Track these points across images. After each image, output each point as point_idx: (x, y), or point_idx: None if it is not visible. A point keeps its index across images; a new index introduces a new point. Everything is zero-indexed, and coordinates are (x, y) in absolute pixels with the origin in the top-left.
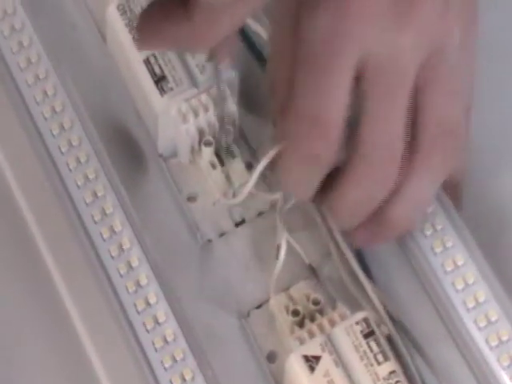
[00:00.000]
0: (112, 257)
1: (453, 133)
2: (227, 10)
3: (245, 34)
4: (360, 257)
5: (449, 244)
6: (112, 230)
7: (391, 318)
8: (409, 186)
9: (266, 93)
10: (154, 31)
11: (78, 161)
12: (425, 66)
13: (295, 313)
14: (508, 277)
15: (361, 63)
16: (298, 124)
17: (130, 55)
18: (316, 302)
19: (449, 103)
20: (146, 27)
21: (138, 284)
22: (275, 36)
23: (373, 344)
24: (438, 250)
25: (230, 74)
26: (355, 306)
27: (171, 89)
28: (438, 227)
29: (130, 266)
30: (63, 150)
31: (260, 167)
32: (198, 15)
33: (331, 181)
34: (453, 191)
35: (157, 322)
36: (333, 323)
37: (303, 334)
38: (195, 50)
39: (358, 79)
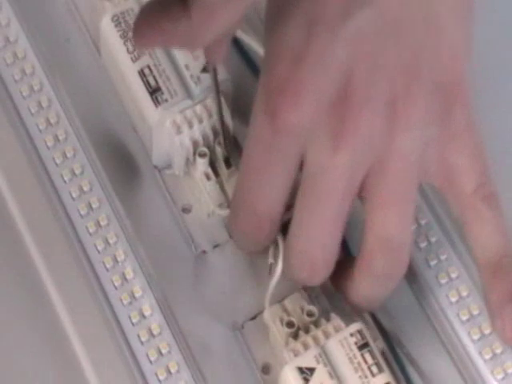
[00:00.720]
0: (106, 269)
1: (391, 249)
2: (224, 6)
3: (238, 44)
4: None
5: (443, 257)
6: (106, 242)
7: (382, 329)
8: (358, 289)
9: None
10: (152, 28)
11: (73, 172)
12: (366, 178)
13: (290, 324)
14: None
15: (300, 170)
16: (235, 213)
17: (125, 67)
18: (310, 314)
19: (387, 219)
20: (144, 24)
21: (132, 296)
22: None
23: (367, 356)
24: (433, 262)
25: (224, 84)
26: (349, 318)
27: (166, 100)
28: (442, 257)
29: (124, 278)
30: (58, 161)
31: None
32: (195, 12)
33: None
34: (495, 282)
35: (151, 334)
36: (327, 335)
37: (298, 345)
38: (192, 47)
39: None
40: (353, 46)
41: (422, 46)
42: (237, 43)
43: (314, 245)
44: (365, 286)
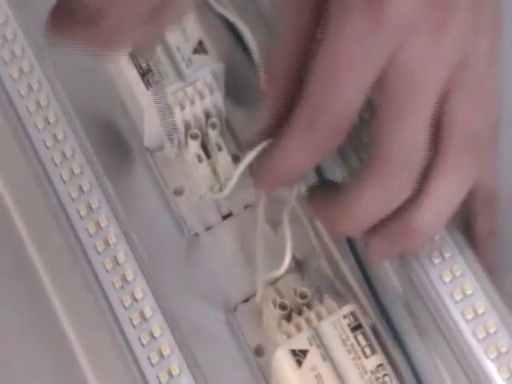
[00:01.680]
0: (98, 252)
1: (479, 142)
2: (132, 31)
3: (231, 28)
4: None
5: (436, 237)
6: (98, 225)
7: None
8: (436, 190)
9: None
10: (61, 32)
11: (64, 155)
12: (452, 76)
13: (282, 306)
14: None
15: (388, 64)
16: (307, 111)
17: None
18: (303, 296)
19: (474, 114)
20: (54, 27)
21: (124, 279)
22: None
23: (360, 337)
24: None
25: (216, 68)
26: (342, 300)
27: (157, 82)
28: (436, 237)
29: (116, 262)
30: (48, 144)
31: (247, 160)
32: (105, 27)
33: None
34: (487, 208)
35: (143, 318)
36: (320, 317)
37: (290, 327)
38: (109, 49)
39: (382, 80)
40: None
41: None
42: (230, 27)
43: (416, 146)
44: (447, 194)
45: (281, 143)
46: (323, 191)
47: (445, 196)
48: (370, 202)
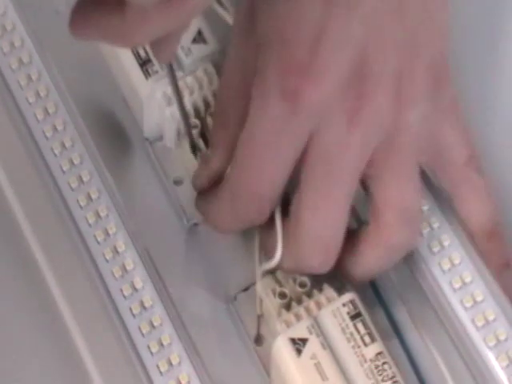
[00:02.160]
0: (98, 242)
1: (404, 219)
2: (159, 13)
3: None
4: None
5: (435, 225)
6: (98, 215)
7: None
8: (364, 262)
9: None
10: (85, 21)
11: (63, 145)
12: (374, 155)
13: (282, 295)
14: None
15: (306, 148)
16: (231, 186)
17: None
18: (303, 285)
19: (404, 190)
20: (80, 15)
21: (124, 269)
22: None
23: (360, 325)
24: (425, 230)
25: (215, 56)
26: (342, 288)
27: (156, 72)
28: (435, 225)
29: (115, 251)
30: (48, 134)
31: None
32: (129, 11)
33: None
34: (493, 243)
35: (143, 307)
36: (320, 305)
37: (290, 316)
38: (124, 45)
39: (302, 161)
40: (367, 23)
41: (419, 24)
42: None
43: (330, 227)
44: (373, 258)
45: (212, 204)
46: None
47: (373, 267)
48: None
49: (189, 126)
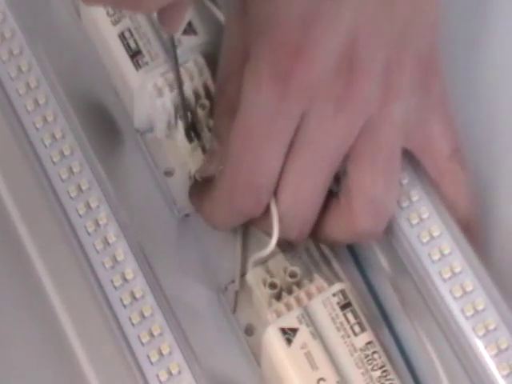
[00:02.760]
0: (88, 233)
1: (372, 207)
2: None
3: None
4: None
5: (424, 216)
6: (88, 206)
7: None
8: (329, 233)
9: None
10: None
11: (54, 137)
12: (356, 140)
13: (272, 285)
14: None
15: (294, 135)
16: (228, 179)
17: (105, 30)
18: (293, 275)
19: (376, 179)
20: None
21: (114, 260)
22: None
23: (349, 315)
24: (415, 221)
25: (205, 47)
26: (332, 278)
27: (147, 63)
28: (414, 199)
29: (106, 242)
30: (38, 126)
31: None
32: None
33: None
34: (468, 230)
35: (134, 298)
36: (310, 295)
37: (280, 306)
38: (137, 10)
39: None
40: (358, 10)
41: (410, 17)
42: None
43: (308, 207)
44: (338, 235)
45: (209, 200)
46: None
47: (337, 239)
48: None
49: (185, 109)
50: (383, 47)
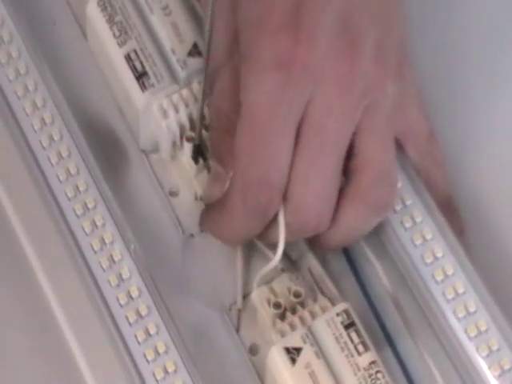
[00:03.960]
0: (94, 251)
1: (385, 178)
2: None
3: None
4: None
5: (428, 236)
6: (94, 225)
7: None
8: (344, 220)
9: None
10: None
11: (60, 156)
12: (361, 121)
13: (277, 305)
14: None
15: (302, 123)
16: (240, 183)
17: (111, 51)
18: (297, 295)
19: (381, 151)
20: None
21: (120, 278)
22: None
23: (353, 335)
24: (418, 242)
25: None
26: (336, 298)
27: (152, 85)
28: (418, 220)
29: (112, 260)
30: (45, 145)
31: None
32: None
33: None
34: (449, 207)
35: (139, 316)
36: (314, 315)
37: (284, 326)
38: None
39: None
40: None
41: (390, 6)
42: None
43: (323, 197)
44: (353, 216)
45: (224, 217)
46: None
47: (352, 227)
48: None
49: (200, 128)
50: (373, 25)
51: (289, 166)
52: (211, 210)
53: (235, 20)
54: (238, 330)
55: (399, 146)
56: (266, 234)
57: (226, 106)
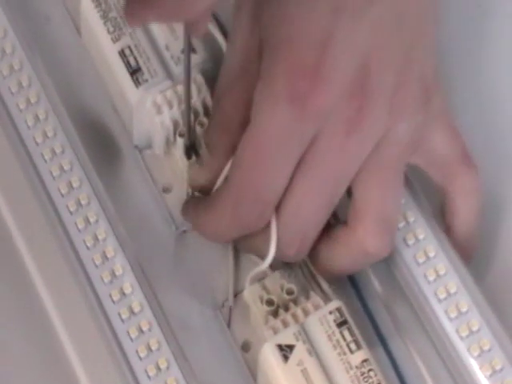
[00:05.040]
0: (87, 247)
1: (386, 229)
2: None
3: (219, 24)
4: None
5: (421, 236)
6: (87, 221)
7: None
8: (339, 262)
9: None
10: (142, 3)
11: (54, 152)
12: (365, 164)
13: (269, 302)
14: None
15: (306, 152)
16: (234, 192)
17: (105, 47)
18: (290, 292)
19: (385, 200)
20: (134, 2)
21: (113, 274)
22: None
23: (346, 333)
24: (411, 241)
25: (205, 65)
26: (329, 296)
27: (146, 80)
28: (410, 220)
29: (105, 257)
30: (38, 141)
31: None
32: None
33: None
34: (463, 251)
35: (132, 312)
36: (306, 313)
37: (277, 323)
38: (184, 18)
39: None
40: (372, 33)
41: (415, 41)
42: (219, 26)
43: (311, 225)
44: (347, 259)
45: (212, 214)
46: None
47: (349, 264)
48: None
49: (190, 127)
50: (392, 69)
51: (284, 190)
52: (199, 205)
53: (254, 38)
54: (229, 327)
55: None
56: (255, 240)
57: (232, 112)
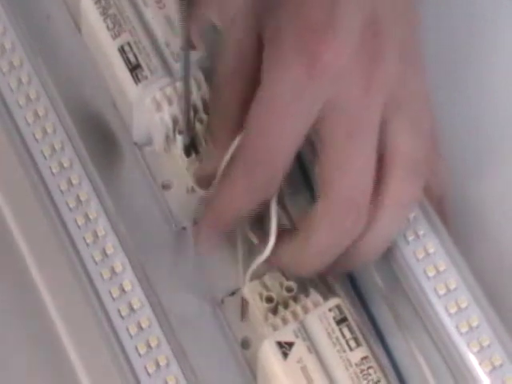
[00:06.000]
0: (87, 244)
1: (418, 169)
2: None
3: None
4: None
5: (420, 232)
6: (87, 218)
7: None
8: (379, 223)
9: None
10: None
11: (53, 149)
12: (387, 116)
13: (269, 300)
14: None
15: (322, 113)
16: (244, 160)
17: (105, 44)
18: (289, 289)
19: (412, 144)
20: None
21: (113, 271)
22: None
23: (345, 330)
24: (411, 238)
25: (204, 62)
26: (328, 293)
27: (146, 77)
28: (410, 216)
29: (104, 254)
30: (38, 137)
31: (230, 152)
32: None
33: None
34: (439, 208)
35: (132, 309)
36: (306, 310)
37: (277, 320)
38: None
39: (319, 128)
40: None
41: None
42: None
43: (360, 187)
44: (389, 221)
45: (224, 187)
46: (279, 241)
47: (387, 229)
48: (324, 242)
49: (189, 124)
50: (398, 22)
51: (295, 152)
52: (210, 196)
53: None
54: (242, 318)
55: None
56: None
57: (226, 91)
